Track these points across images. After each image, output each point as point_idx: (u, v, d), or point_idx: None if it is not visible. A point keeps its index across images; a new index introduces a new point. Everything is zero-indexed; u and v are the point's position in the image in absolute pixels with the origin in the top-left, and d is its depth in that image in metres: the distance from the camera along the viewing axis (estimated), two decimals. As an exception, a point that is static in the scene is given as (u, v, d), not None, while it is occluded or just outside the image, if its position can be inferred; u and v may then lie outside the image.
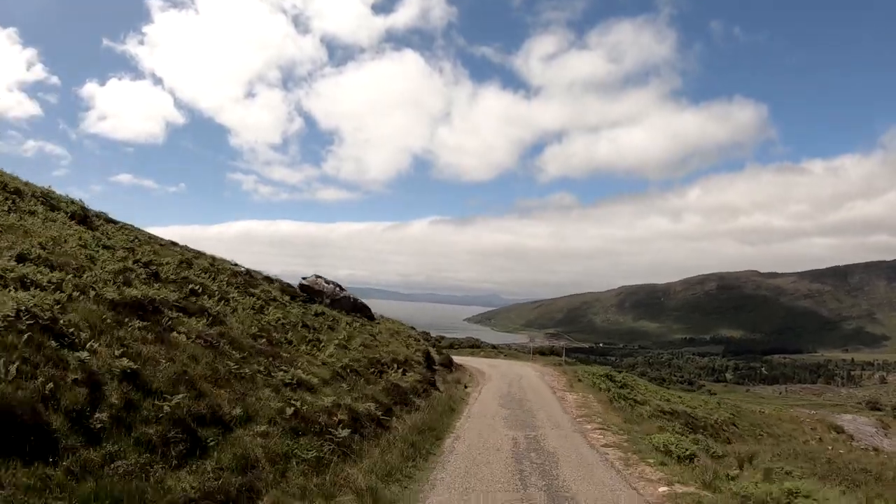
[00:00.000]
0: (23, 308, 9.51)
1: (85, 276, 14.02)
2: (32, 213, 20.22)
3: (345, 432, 12.78)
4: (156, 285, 17.42)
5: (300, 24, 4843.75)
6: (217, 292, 22.49)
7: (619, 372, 54.26)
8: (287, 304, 29.67)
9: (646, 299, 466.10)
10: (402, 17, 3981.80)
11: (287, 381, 15.17)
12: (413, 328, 41.23)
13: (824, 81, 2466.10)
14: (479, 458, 13.61)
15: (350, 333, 27.76)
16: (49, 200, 23.71)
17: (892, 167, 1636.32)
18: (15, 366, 8.10)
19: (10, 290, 10.58)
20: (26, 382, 8.02)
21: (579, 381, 34.98)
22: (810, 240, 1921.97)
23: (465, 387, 28.15)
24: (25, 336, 8.94)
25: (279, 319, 23.99)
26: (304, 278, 35.97)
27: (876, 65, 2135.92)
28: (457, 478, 11.90)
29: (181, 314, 15.50)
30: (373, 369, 22.01)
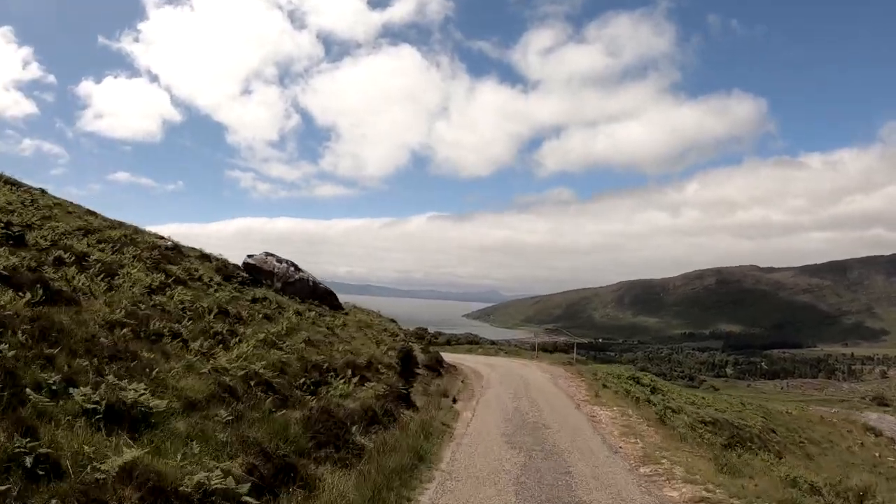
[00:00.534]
0: None
1: None
2: None
3: None
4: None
5: (296, 19, 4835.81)
6: (102, 265, 16.68)
7: (641, 372, 45.87)
8: (215, 285, 21.65)
9: (644, 294, 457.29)
10: (399, 12, 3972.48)
11: (89, 405, 7.09)
12: (393, 321, 32.91)
13: (823, 75, 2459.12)
14: None
15: (294, 326, 19.61)
16: None
17: (891, 161, 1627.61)
18: None
19: None
20: None
21: (605, 386, 26.76)
22: (808, 234, 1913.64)
23: (454, 401, 19.61)
24: None
25: (182, 304, 16.31)
26: (249, 256, 27.80)
27: (875, 58, 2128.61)
28: None
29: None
30: (304, 379, 13.73)
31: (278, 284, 26.37)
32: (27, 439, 5.80)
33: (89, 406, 7.41)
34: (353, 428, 11.16)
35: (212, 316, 16.56)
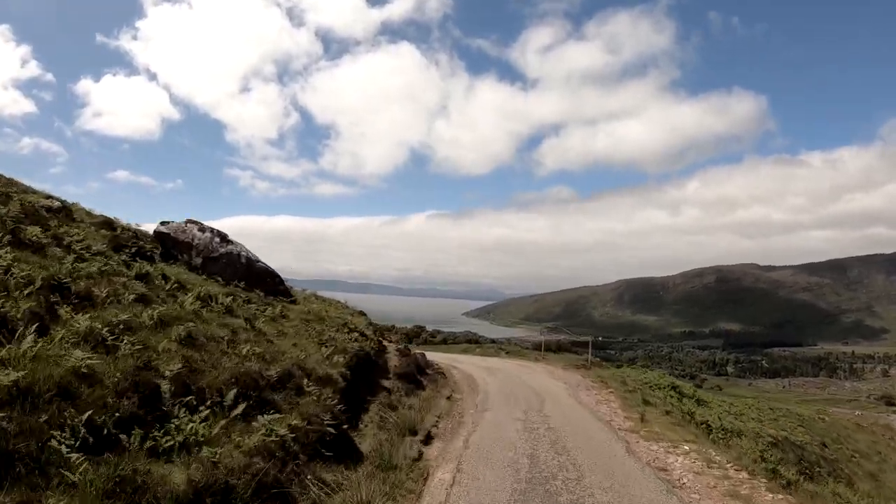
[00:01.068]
0: None
1: None
2: None
3: None
4: None
5: (294, 17, 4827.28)
6: None
7: (673, 377, 38.31)
8: (89, 255, 14.15)
9: (644, 293, 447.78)
10: (398, 9, 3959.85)
11: None
12: (363, 314, 25.18)
13: (824, 73, 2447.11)
14: None
15: (179, 315, 11.98)
16: None
17: (891, 159, 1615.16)
18: None
19: None
20: None
21: (647, 402, 19.16)
22: (808, 233, 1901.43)
23: (426, 440, 11.73)
24: None
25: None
26: (163, 223, 20.27)
27: (876, 57, 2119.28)
28: None
29: None
30: (112, 415, 6.04)
31: (197, 260, 18.89)
32: None
33: None
34: None
35: (29, 292, 9.20)
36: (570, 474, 9.89)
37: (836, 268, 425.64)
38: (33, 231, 13.51)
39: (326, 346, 14.60)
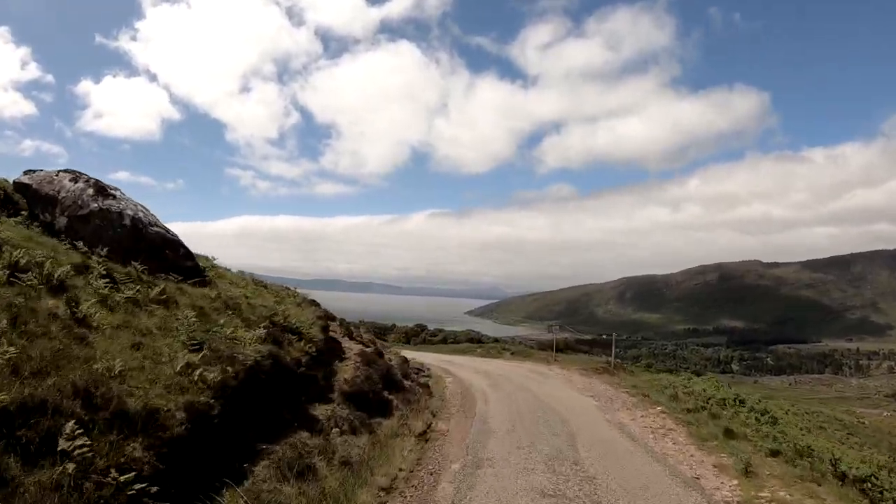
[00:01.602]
0: None
1: None
2: None
3: None
4: None
5: (294, 15, 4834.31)
6: None
7: (722, 386, 30.99)
8: None
9: (646, 290, 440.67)
10: (397, 7, 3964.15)
11: None
12: (315, 304, 18.02)
13: (825, 70, 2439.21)
14: None
15: None
16: None
17: (893, 156, 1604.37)
18: None
19: None
20: None
21: (728, 433, 12.41)
22: (811, 229, 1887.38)
23: None
24: None
25: None
26: (27, 171, 13.72)
27: (877, 54, 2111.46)
28: None
29: None
30: None
31: (62, 220, 12.33)
32: None
33: None
34: None
35: None
36: None
37: (840, 264, 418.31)
38: None
39: (194, 352, 7.91)
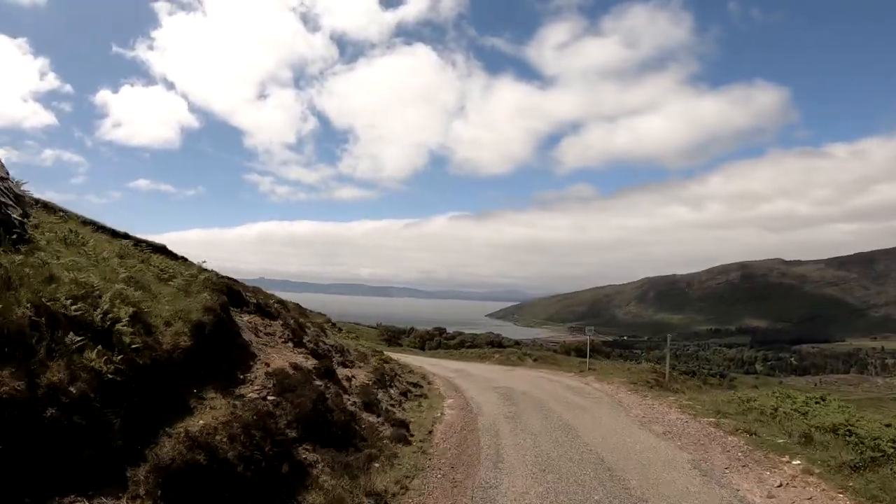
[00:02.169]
0: None
1: None
2: None
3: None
4: None
5: (309, 21, 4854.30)
6: None
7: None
8: None
9: (668, 290, 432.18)
10: (412, 10, 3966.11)
11: None
12: (237, 288, 13.25)
13: (846, 64, 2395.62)
14: None
15: None
16: None
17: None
18: None
19: None
20: None
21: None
22: (834, 225, 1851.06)
23: None
24: None
25: None
26: None
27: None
28: None
29: None
30: None
31: None
32: None
33: None
34: None
35: None
36: None
37: (864, 261, 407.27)
38: None
39: None
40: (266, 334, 11.95)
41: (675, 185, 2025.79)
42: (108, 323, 6.34)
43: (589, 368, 29.79)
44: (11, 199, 8.40)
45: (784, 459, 10.04)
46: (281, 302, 16.42)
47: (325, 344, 14.92)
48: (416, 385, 19.44)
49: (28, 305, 5.65)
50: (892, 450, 9.63)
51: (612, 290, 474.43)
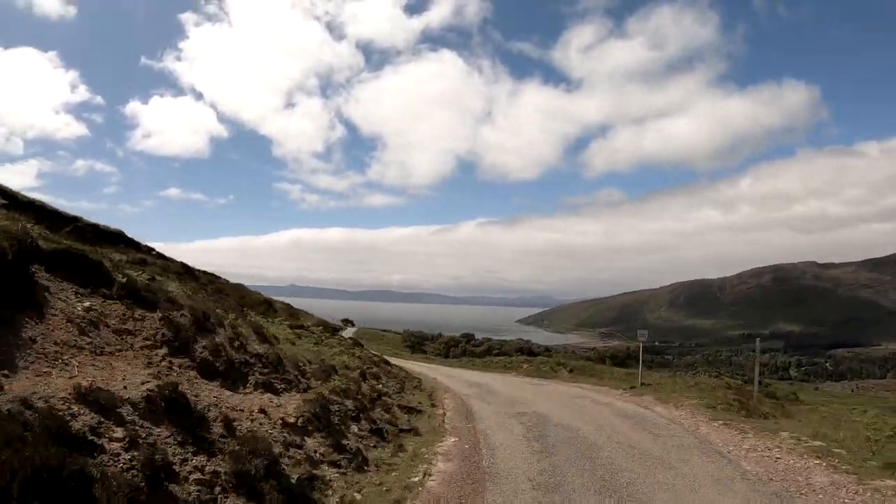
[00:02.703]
0: None
1: None
2: None
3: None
4: None
5: (334, 29, 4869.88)
6: None
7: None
8: None
9: (699, 295, 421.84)
10: (437, 16, 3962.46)
11: None
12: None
13: (876, 58, 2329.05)
14: None
15: None
16: None
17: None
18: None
19: None
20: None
21: None
22: (868, 226, 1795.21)
23: None
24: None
25: None
26: None
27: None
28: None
29: None
30: None
31: None
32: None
33: None
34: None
35: None
36: None
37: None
38: None
39: None
40: (116, 332, 8.30)
41: (705, 187, 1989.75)
42: None
43: (642, 384, 25.16)
44: None
45: None
46: (214, 286, 13.09)
47: (246, 353, 10.90)
48: (412, 410, 15.45)
49: None
50: None
51: (642, 294, 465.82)
